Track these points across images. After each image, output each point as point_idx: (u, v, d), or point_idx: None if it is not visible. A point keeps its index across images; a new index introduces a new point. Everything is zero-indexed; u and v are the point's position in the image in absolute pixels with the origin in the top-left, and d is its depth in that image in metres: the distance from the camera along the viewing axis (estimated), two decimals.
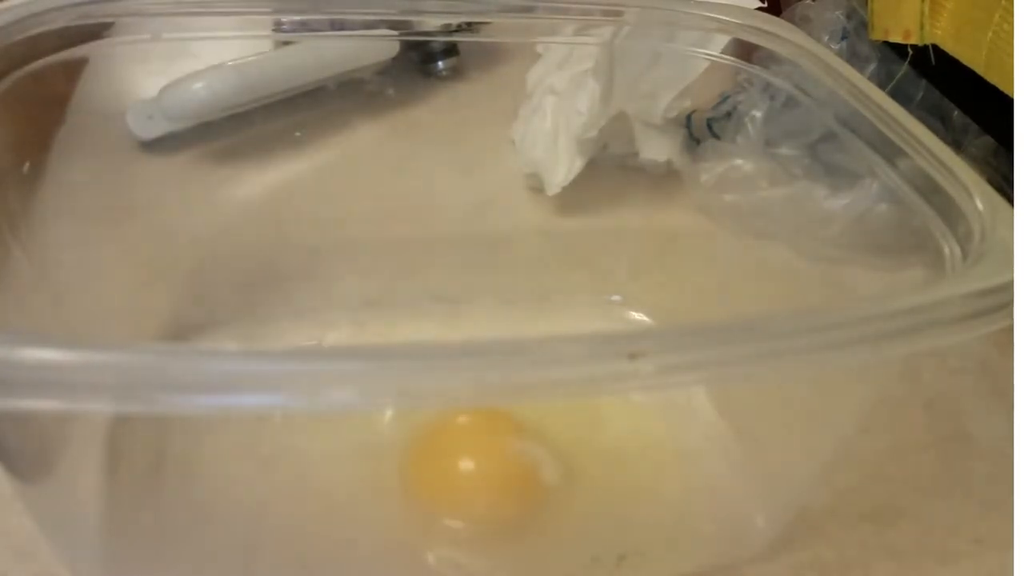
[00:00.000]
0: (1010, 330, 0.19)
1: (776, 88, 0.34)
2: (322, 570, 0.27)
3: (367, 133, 0.42)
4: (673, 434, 0.32)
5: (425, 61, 0.50)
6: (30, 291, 0.28)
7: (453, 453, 0.29)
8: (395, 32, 0.35)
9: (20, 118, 0.27)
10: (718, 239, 0.39)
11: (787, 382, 0.24)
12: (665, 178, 0.42)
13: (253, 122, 0.40)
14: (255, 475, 0.28)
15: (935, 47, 0.38)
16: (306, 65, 0.42)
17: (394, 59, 0.43)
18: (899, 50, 0.41)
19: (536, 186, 0.42)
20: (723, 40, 0.33)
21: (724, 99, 0.45)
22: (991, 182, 0.23)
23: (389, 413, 0.30)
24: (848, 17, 0.44)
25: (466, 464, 0.30)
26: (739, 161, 0.41)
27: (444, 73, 0.50)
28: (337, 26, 0.34)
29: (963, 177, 0.23)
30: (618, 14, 0.34)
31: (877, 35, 0.41)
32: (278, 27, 0.34)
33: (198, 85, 0.39)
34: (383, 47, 0.42)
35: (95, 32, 0.28)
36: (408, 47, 0.48)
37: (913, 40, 0.38)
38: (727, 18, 0.32)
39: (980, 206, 0.22)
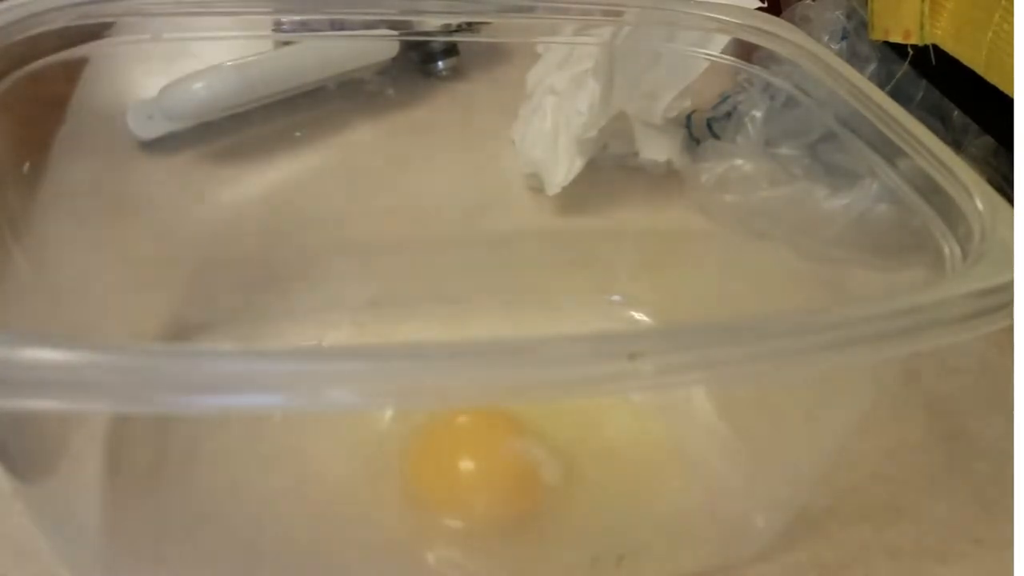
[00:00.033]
0: (1010, 330, 0.19)
1: (776, 88, 0.34)
2: (322, 570, 0.27)
3: (367, 133, 0.42)
4: (673, 434, 0.32)
5: (425, 61, 0.50)
6: (30, 291, 0.28)
7: (453, 453, 0.29)
8: (395, 32, 0.35)
9: (20, 118, 0.27)
10: (718, 239, 0.39)
11: (787, 382, 0.24)
12: (665, 178, 0.42)
13: (253, 122, 0.40)
14: (255, 475, 0.28)
15: (935, 47, 0.38)
16: (306, 65, 0.42)
17: (394, 59, 0.43)
18: (899, 50, 0.41)
19: (536, 186, 0.42)
20: (723, 40, 0.33)
21: (724, 99, 0.45)
22: (991, 182, 0.23)
23: (389, 413, 0.30)
24: (848, 17, 0.44)
25: (466, 464, 0.30)
26: (739, 161, 0.41)
27: (444, 73, 0.50)
28: (337, 26, 0.34)
29: (963, 177, 0.23)
30: (618, 14, 0.34)
31: (877, 35, 0.41)
32: (278, 27, 0.34)
33: (198, 85, 0.39)
34: (383, 47, 0.42)
35: (95, 32, 0.28)
36: (408, 47, 0.48)
37: (913, 40, 0.38)
38: (727, 18, 0.32)
39: (980, 206, 0.22)
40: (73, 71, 0.29)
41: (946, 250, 0.22)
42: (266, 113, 0.41)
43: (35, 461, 0.22)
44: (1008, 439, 0.34)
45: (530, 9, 0.31)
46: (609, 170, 0.42)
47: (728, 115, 0.44)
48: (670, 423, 0.32)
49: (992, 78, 0.34)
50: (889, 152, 0.26)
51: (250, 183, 0.39)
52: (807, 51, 0.30)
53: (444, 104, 0.48)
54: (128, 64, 0.33)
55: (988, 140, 0.41)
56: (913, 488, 0.31)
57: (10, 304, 0.26)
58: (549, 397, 0.23)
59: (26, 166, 0.28)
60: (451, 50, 0.50)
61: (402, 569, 0.27)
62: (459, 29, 0.41)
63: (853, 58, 0.44)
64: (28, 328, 0.22)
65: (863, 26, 0.43)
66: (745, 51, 0.32)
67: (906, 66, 0.41)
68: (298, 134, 0.40)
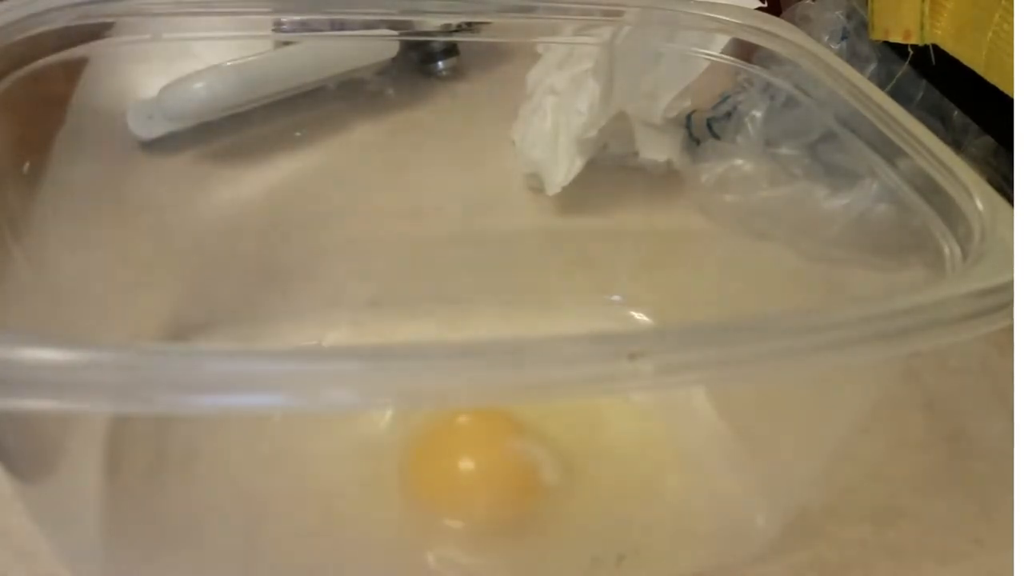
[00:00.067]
0: (1010, 330, 0.19)
1: (776, 88, 0.34)
2: (322, 570, 0.27)
3: (367, 133, 0.42)
4: (673, 434, 0.32)
5: (425, 61, 0.50)
6: (30, 291, 0.28)
7: (453, 453, 0.29)
8: (395, 32, 0.35)
9: (20, 118, 0.27)
10: (718, 239, 0.39)
11: (787, 382, 0.24)
12: (665, 178, 0.42)
13: (253, 122, 0.40)
14: (255, 475, 0.28)
15: (935, 47, 0.38)
16: (306, 65, 0.42)
17: (394, 59, 0.43)
18: (899, 50, 0.41)
19: (536, 186, 0.42)
20: (723, 40, 0.33)
21: (724, 99, 0.45)
22: (991, 182, 0.23)
23: (389, 413, 0.30)
24: (848, 17, 0.44)
25: (466, 464, 0.30)
26: (739, 161, 0.41)
27: (444, 73, 0.50)
28: (337, 26, 0.34)
29: (963, 177, 0.23)
30: (618, 14, 0.34)
31: (877, 35, 0.41)
32: (278, 27, 0.34)
33: (198, 85, 0.39)
34: (383, 47, 0.42)
35: (95, 32, 0.28)
36: (408, 47, 0.48)
37: (913, 40, 0.38)
38: (727, 18, 0.32)
39: (980, 206, 0.22)
40: (73, 71, 0.29)
41: (946, 250, 0.22)
42: (266, 113, 0.41)
43: (35, 461, 0.22)
44: (1008, 439, 0.34)
45: (530, 9, 0.31)
46: (609, 170, 0.42)
47: (728, 115, 0.44)
48: (670, 423, 0.32)
49: (992, 78, 0.34)
50: (889, 152, 0.26)
51: (250, 183, 0.39)
52: (807, 51, 0.30)
53: (444, 104, 0.48)
54: (128, 64, 0.33)
55: (988, 140, 0.41)
56: (913, 488, 0.31)
57: (10, 304, 0.26)
58: (549, 397, 0.23)
59: (26, 166, 0.28)
60: (451, 50, 0.50)
61: (402, 569, 0.27)
62: (459, 29, 0.41)
63: (853, 58, 0.44)
64: (28, 328, 0.22)
65: (863, 26, 0.43)
66: (745, 51, 0.32)
67: (906, 66, 0.41)
68: (298, 134, 0.40)
